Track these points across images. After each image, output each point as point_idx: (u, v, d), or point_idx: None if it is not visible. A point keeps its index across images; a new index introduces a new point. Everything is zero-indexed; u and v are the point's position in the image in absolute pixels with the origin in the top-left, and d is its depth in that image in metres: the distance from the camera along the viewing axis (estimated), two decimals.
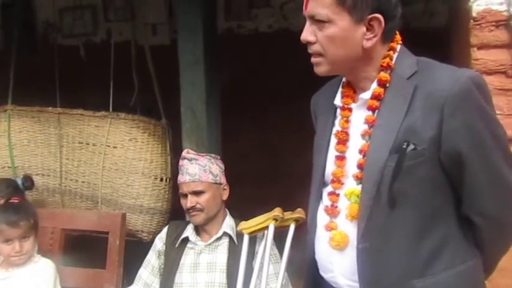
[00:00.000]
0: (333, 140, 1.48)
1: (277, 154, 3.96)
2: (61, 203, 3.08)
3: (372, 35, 1.36)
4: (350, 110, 1.46)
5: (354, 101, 1.46)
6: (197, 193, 2.30)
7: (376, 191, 1.34)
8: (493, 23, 1.89)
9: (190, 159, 2.34)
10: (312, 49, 1.39)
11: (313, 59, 1.41)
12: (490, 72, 1.89)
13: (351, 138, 1.44)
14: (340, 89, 1.50)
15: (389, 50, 1.41)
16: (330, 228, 1.45)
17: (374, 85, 1.40)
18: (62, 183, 3.05)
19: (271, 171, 4.02)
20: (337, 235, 1.42)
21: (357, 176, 1.40)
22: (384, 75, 1.38)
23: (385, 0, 1.35)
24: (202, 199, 2.30)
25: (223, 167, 2.42)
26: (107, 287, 2.56)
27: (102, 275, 2.59)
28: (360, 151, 1.40)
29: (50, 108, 3.08)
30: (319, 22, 1.35)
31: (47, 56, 3.68)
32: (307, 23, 1.38)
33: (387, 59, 1.39)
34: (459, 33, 2.32)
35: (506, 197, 1.37)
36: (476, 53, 1.91)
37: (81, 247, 2.76)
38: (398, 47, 1.42)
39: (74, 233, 2.81)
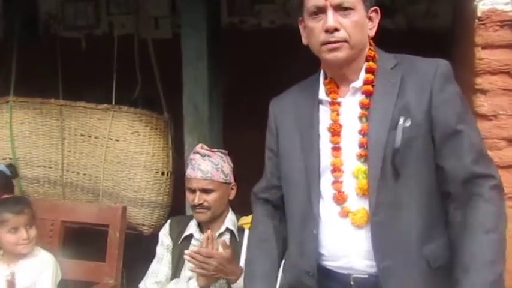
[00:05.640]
0: (325, 134, 1.58)
1: None
2: (62, 195, 3.08)
3: (372, 25, 1.56)
4: (339, 103, 1.57)
5: (339, 95, 1.58)
6: (207, 191, 2.25)
7: (382, 166, 1.47)
8: (498, 23, 1.89)
9: (203, 155, 2.28)
10: (337, 36, 1.49)
11: (334, 45, 1.49)
12: (494, 72, 1.89)
13: (344, 128, 1.55)
14: (322, 87, 1.60)
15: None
16: (345, 213, 1.53)
17: (362, 74, 1.55)
18: (63, 175, 3.05)
19: None
20: (357, 213, 1.51)
21: (360, 155, 1.52)
22: (372, 63, 1.55)
23: None
24: (211, 198, 2.26)
25: (232, 166, 2.38)
26: (106, 280, 2.57)
27: (101, 267, 2.60)
28: (360, 131, 1.52)
29: (52, 100, 3.07)
30: (345, 9, 1.48)
31: (49, 48, 3.67)
32: (330, 12, 1.48)
33: (370, 51, 1.57)
34: (463, 33, 2.32)
35: (479, 157, 1.49)
36: (480, 53, 1.91)
37: (81, 240, 2.77)
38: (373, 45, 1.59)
39: (74, 225, 2.82)
